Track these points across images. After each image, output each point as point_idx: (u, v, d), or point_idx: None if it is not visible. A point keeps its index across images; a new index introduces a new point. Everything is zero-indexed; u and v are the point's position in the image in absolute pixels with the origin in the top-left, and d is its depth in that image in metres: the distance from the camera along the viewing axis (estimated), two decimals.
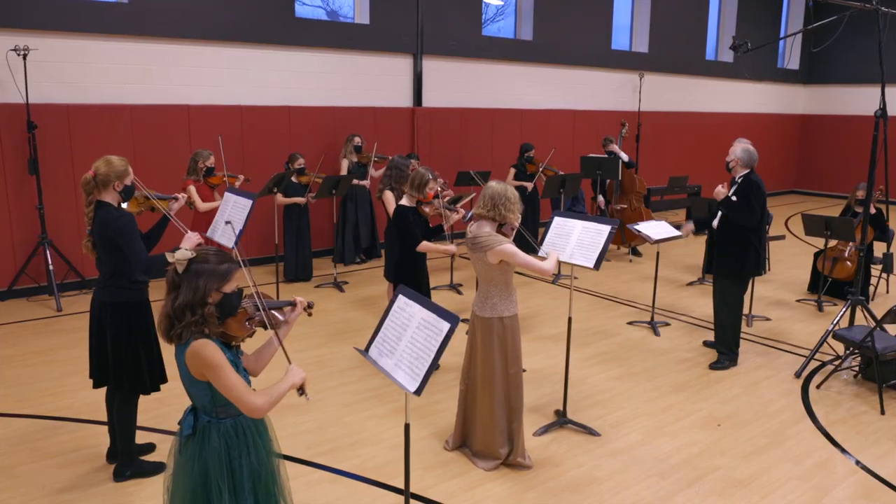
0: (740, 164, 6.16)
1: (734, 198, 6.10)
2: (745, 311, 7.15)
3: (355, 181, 9.53)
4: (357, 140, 9.94)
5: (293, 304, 3.11)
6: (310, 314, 3.15)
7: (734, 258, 6.20)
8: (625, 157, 10.61)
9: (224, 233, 5.70)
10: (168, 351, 3.12)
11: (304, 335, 6.97)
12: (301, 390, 2.88)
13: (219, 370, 2.70)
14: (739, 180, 6.16)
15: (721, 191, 6.27)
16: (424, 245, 5.86)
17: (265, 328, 2.96)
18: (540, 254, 4.90)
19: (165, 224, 4.71)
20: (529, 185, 10.04)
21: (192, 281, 2.73)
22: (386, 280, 7.26)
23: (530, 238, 5.05)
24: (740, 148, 6.19)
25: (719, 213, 6.31)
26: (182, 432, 2.90)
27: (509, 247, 4.34)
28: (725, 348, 6.45)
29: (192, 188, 7.44)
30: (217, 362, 2.70)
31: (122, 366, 4.27)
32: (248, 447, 2.91)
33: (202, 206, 7.34)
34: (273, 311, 3.01)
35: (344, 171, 9.75)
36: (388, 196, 6.97)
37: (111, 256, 4.23)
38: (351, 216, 9.97)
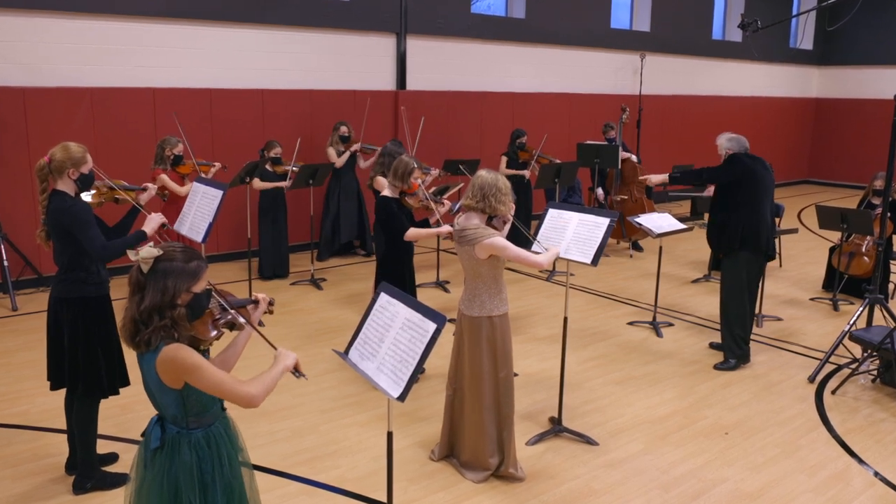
0: (732, 152, 6.36)
1: None
2: (756, 310, 7.16)
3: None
4: (344, 129, 9.87)
5: (256, 303, 3.15)
6: (271, 312, 3.20)
7: (728, 237, 6.32)
8: (634, 157, 10.69)
9: (192, 226, 5.68)
10: (130, 354, 3.08)
11: (278, 336, 6.93)
12: (296, 371, 2.92)
13: (199, 370, 2.69)
14: None
15: (655, 178, 6.74)
16: (413, 232, 5.70)
17: (231, 329, 2.97)
18: (535, 248, 4.89)
19: (135, 216, 4.74)
20: (526, 173, 10.01)
21: (160, 281, 2.71)
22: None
23: (525, 230, 5.02)
24: (724, 139, 6.46)
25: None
26: (149, 445, 2.87)
27: (499, 240, 4.32)
28: (732, 342, 6.46)
29: (165, 177, 7.41)
30: (195, 363, 2.69)
31: (78, 366, 4.25)
32: (220, 459, 2.90)
33: (181, 190, 7.32)
34: (239, 310, 3.02)
35: (334, 160, 9.73)
36: (381, 181, 6.92)
37: (67, 247, 4.23)
38: (333, 208, 9.94)
